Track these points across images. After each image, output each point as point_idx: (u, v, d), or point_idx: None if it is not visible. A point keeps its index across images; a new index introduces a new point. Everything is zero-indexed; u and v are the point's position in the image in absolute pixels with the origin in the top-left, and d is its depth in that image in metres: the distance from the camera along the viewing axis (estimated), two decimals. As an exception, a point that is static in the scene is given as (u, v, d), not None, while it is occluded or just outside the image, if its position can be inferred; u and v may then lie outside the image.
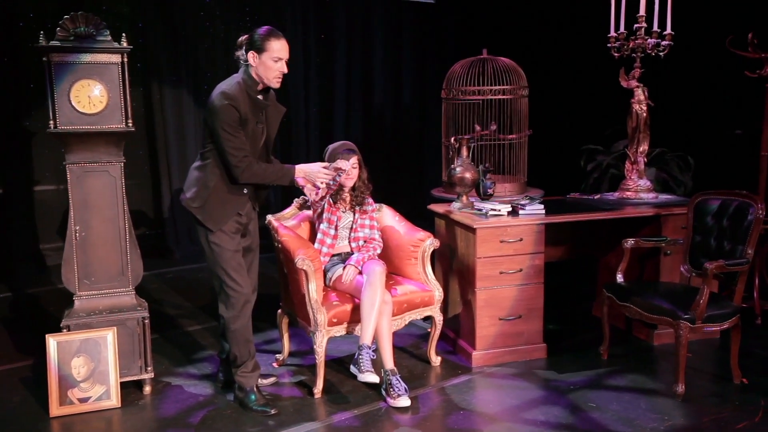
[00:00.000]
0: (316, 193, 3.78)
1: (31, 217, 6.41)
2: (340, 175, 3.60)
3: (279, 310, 4.06)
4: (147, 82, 6.69)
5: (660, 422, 3.32)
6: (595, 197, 4.68)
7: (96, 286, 3.62)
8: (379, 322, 3.58)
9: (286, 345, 4.07)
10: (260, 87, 3.33)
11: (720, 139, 5.68)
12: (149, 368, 3.68)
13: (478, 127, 4.78)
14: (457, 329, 4.25)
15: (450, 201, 4.86)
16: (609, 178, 5.64)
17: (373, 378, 3.41)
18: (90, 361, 3.52)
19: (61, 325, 3.53)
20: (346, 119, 7.65)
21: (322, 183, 3.49)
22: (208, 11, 6.83)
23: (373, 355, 3.49)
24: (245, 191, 3.40)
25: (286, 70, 3.30)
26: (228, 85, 3.27)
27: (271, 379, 3.83)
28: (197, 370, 4.04)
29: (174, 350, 4.34)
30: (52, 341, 3.48)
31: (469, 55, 5.17)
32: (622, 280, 4.05)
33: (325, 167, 3.47)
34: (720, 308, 3.59)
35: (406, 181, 7.92)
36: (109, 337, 3.55)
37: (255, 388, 3.52)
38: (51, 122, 3.41)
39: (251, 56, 3.26)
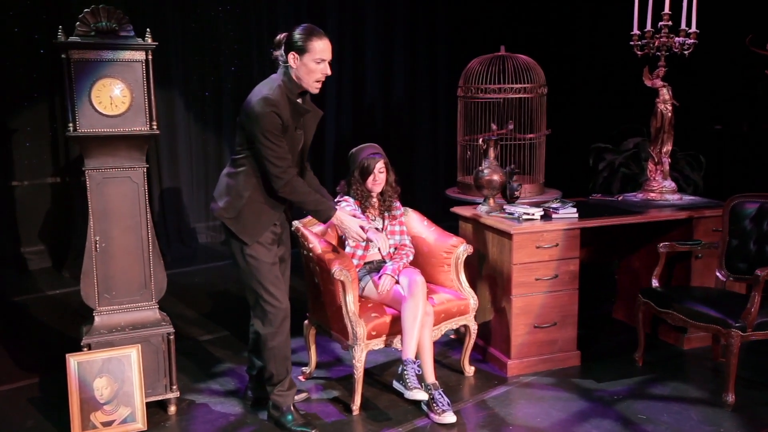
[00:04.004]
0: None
1: (11, 217, 6.03)
2: (368, 242, 3.46)
3: (306, 321, 3.86)
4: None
5: (716, 434, 3.25)
6: (619, 198, 4.59)
7: (117, 301, 3.37)
8: (421, 334, 3.42)
9: (313, 357, 3.88)
10: (299, 90, 3.12)
11: (730, 138, 5.66)
12: (174, 387, 3.45)
13: (494, 126, 4.64)
14: (488, 337, 4.11)
15: (467, 203, 4.72)
16: (620, 177, 5.57)
17: (421, 395, 3.25)
18: (113, 381, 3.27)
19: (81, 344, 3.27)
20: (336, 115, 7.41)
21: (352, 239, 3.39)
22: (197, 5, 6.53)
23: (419, 370, 3.33)
24: (282, 201, 3.19)
25: (329, 72, 3.09)
26: (269, 88, 3.03)
27: (303, 395, 3.63)
28: (219, 385, 3.81)
29: (189, 364, 4.09)
30: (72, 361, 3.21)
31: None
32: (657, 285, 3.97)
33: (362, 228, 3.30)
34: None
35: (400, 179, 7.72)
36: (133, 355, 3.31)
37: (292, 407, 3.32)
38: (70, 125, 3.13)
39: (291, 57, 3.04)
